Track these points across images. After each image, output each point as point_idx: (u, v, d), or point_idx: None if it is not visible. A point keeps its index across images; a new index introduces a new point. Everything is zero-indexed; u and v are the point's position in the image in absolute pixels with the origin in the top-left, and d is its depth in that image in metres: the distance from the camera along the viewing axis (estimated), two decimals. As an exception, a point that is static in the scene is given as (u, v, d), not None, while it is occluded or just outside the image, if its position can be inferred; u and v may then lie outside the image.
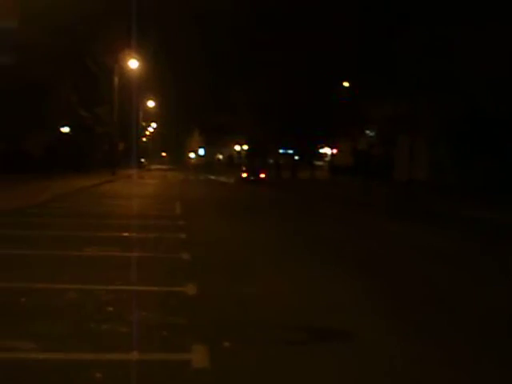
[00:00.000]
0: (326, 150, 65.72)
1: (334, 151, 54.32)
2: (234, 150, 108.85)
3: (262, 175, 48.55)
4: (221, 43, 55.81)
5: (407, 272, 10.79)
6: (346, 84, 42.44)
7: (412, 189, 31.19)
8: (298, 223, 19.09)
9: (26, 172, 37.45)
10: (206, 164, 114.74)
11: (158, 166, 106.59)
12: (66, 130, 51.27)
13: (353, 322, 7.20)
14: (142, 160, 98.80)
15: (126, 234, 13.98)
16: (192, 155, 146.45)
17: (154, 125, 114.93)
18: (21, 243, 12.05)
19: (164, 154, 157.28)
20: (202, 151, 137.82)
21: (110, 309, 7.29)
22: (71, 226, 15.17)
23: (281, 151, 65.60)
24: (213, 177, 58.42)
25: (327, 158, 68.78)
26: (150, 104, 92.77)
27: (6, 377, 5.11)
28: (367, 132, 47.32)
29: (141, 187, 36.51)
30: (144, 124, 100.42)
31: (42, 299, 7.66)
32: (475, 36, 28.21)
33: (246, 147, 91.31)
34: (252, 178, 47.45)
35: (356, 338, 6.54)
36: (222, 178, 54.88)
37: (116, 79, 50.19)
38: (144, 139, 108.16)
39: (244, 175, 48.93)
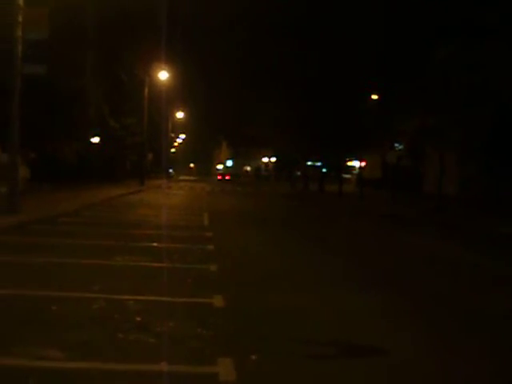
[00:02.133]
0: (354, 163, 65.44)
1: (362, 164, 54.03)
2: (262, 162, 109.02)
3: None
4: (249, 55, 55.99)
5: (440, 289, 10.68)
6: (374, 96, 42.25)
7: (442, 203, 30.87)
8: (325, 237, 19.03)
9: (58, 181, 37.94)
10: (233, 175, 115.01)
11: (186, 177, 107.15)
12: (96, 140, 51.91)
13: (383, 338, 7.14)
14: (171, 171, 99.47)
15: (154, 245, 14.07)
16: (220, 167, 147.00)
17: (182, 136, 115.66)
18: (52, 251, 12.19)
19: (192, 165, 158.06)
20: (229, 163, 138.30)
21: (138, 319, 7.33)
22: (101, 235, 15.32)
23: (308, 163, 65.49)
24: (240, 188, 58.51)
25: (355, 171, 68.48)
26: (179, 115, 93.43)
27: (36, 385, 5.17)
28: (396, 145, 47.01)
29: (169, 198, 36.73)
30: (173, 135, 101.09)
31: (72, 308, 7.74)
32: (507, 49, 27.90)
33: (273, 159, 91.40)
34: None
35: (387, 355, 6.49)
36: (250, 190, 54.92)
37: (146, 90, 50.68)
38: (172, 150, 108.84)
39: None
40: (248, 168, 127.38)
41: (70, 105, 42.18)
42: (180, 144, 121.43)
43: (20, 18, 17.93)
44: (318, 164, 61.80)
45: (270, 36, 48.74)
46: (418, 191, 42.39)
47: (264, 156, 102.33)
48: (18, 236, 14.33)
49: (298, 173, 73.98)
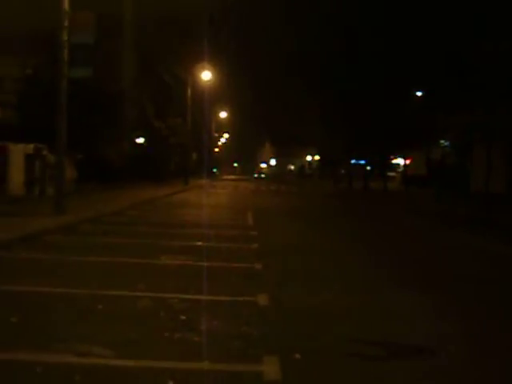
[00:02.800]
0: (399, 161, 64.67)
1: (407, 161, 53.31)
2: (306, 161, 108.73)
3: None
4: (293, 54, 55.90)
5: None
6: (418, 93, 41.65)
7: (490, 201, 30.18)
8: (368, 235, 18.84)
9: (104, 181, 38.56)
10: (277, 174, 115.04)
11: (230, 177, 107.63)
12: (141, 140, 52.58)
13: (428, 338, 7.00)
14: (214, 170, 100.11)
15: (199, 244, 14.14)
16: (263, 165, 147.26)
17: (226, 135, 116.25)
18: (97, 251, 12.36)
19: (235, 164, 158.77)
20: (273, 162, 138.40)
21: (183, 317, 7.35)
22: (147, 235, 15.47)
23: (352, 161, 65.01)
24: (284, 187, 58.45)
25: (400, 169, 67.66)
26: (223, 115, 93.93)
27: (82, 382, 5.23)
28: (441, 142, 46.23)
29: (213, 197, 36.91)
30: (216, 135, 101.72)
31: (117, 306, 7.82)
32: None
33: (317, 157, 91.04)
34: None
35: (433, 355, 6.36)
36: (294, 189, 54.80)
37: (189, 91, 51.09)
38: (216, 150, 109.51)
39: None
40: (292, 167, 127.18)
41: (115, 106, 42.82)
42: (224, 143, 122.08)
43: (66, 23, 18.25)
44: (362, 162, 61.29)
45: (316, 34, 48.49)
46: (464, 189, 41.56)
47: (308, 154, 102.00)
48: (64, 236, 14.58)
49: (342, 171, 73.49)
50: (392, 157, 60.52)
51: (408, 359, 6.23)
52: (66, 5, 18.24)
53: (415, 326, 7.51)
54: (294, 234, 17.68)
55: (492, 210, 26.85)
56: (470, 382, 5.69)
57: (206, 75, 54.34)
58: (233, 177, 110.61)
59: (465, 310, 8.50)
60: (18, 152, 26.22)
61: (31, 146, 26.74)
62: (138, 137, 52.27)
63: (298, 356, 6.04)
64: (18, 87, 32.66)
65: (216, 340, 6.50)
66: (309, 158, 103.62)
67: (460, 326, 7.64)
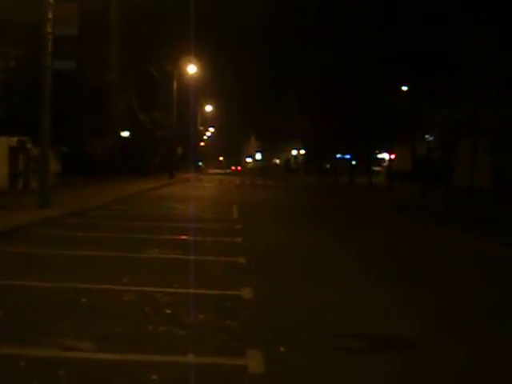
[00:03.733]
0: (384, 155, 64.92)
1: (392, 156, 53.52)
2: (291, 155, 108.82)
3: None
4: (278, 48, 55.98)
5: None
6: (404, 88, 41.81)
7: (473, 197, 30.40)
8: (353, 230, 18.93)
9: (89, 175, 38.37)
10: (262, 168, 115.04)
11: (216, 171, 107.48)
12: (126, 134, 52.32)
13: (410, 330, 7.07)
14: (200, 164, 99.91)
15: (184, 237, 14.14)
16: (249, 160, 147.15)
17: (211, 129, 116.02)
18: (81, 245, 12.32)
19: (221, 158, 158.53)
20: (258, 156, 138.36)
21: (168, 311, 7.36)
22: (131, 229, 15.44)
23: (338, 156, 65.15)
24: (270, 181, 58.52)
25: (385, 164, 67.93)
26: (208, 109, 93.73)
27: (66, 376, 5.22)
28: (426, 136, 46.45)
29: (198, 191, 36.87)
30: (202, 128, 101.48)
31: (102, 300, 7.81)
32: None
33: (303, 152, 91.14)
34: None
35: (416, 348, 6.42)
36: (279, 183, 54.87)
37: (175, 84, 50.88)
38: (202, 143, 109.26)
39: None
40: (277, 161, 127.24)
41: (100, 99, 42.57)
42: (209, 137, 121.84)
43: (50, 15, 18.12)
44: (348, 156, 61.45)
45: (299, 27, 48.53)
46: (448, 184, 41.83)
47: (293, 149, 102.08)
48: (48, 229, 14.50)
49: (328, 165, 73.63)
50: (377, 151, 60.73)
51: (392, 352, 6.29)
52: (51, -4, 18.11)
53: (399, 320, 7.57)
54: (279, 227, 17.71)
55: (474, 205, 27.09)
56: (454, 372, 5.75)
57: (192, 69, 54.18)
58: (218, 171, 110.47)
59: (448, 304, 8.58)
60: (1, 145, 26.00)
61: (15, 138, 26.53)
62: (123, 130, 52.00)
63: (281, 349, 6.07)
64: (0, 78, 32.38)
65: (201, 334, 6.52)
66: (294, 152, 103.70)
67: (443, 318, 7.72)
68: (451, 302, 8.73)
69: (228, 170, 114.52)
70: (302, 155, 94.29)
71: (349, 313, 7.78)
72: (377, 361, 5.94)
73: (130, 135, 52.58)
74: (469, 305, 8.67)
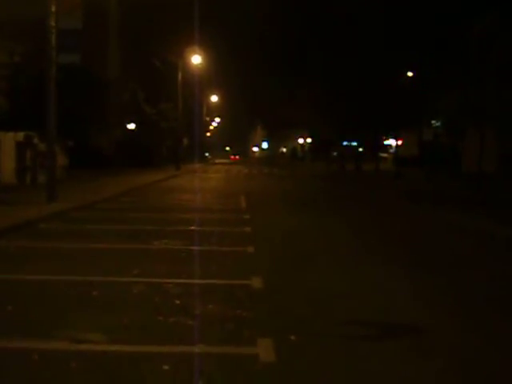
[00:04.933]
0: (391, 141, 64.72)
1: (399, 142, 53.42)
2: (298, 143, 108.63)
3: None
4: (283, 36, 55.75)
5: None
6: (409, 74, 41.60)
7: (482, 181, 30.27)
8: (360, 217, 18.89)
9: (95, 167, 38.48)
10: (269, 157, 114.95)
11: (222, 160, 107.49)
12: (132, 126, 52.37)
13: (420, 318, 7.07)
14: (207, 154, 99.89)
15: (192, 228, 14.16)
16: (255, 149, 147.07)
17: (217, 119, 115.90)
18: (90, 238, 12.37)
19: (228, 148, 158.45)
20: (265, 145, 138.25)
21: (178, 302, 7.39)
22: (139, 220, 15.48)
23: (344, 143, 64.99)
24: (277, 170, 58.46)
25: (392, 150, 67.71)
26: (214, 99, 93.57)
27: (78, 368, 5.26)
28: (433, 122, 46.25)
29: (205, 181, 36.89)
30: (208, 119, 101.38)
31: (112, 292, 7.85)
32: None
33: (309, 140, 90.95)
34: None
35: (427, 336, 6.42)
36: (287, 172, 54.82)
37: (180, 75, 50.83)
38: (208, 134, 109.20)
39: None
40: (284, 149, 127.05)
41: (105, 92, 42.58)
42: (215, 127, 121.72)
43: (53, 8, 18.10)
44: (354, 143, 61.30)
45: (304, 15, 48.28)
46: (456, 169, 41.69)
47: (300, 137, 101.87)
48: (57, 223, 14.56)
49: (334, 153, 73.49)
50: (384, 138, 60.56)
51: (402, 339, 6.29)
52: (54, -10, 18.09)
53: (407, 305, 7.57)
54: (287, 216, 17.71)
55: (483, 189, 26.98)
56: (461, 360, 5.76)
57: (196, 59, 54.02)
58: (225, 160, 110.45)
59: (459, 291, 8.58)
60: (8, 140, 26.09)
61: (21, 134, 26.60)
62: (128, 123, 52.05)
63: (292, 337, 6.09)
64: (6, 74, 32.41)
65: (211, 323, 6.54)
66: (301, 140, 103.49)
67: (452, 305, 7.72)
68: (469, 288, 8.72)
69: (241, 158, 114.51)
70: (309, 143, 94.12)
71: (360, 300, 7.77)
72: (389, 348, 5.95)
73: (136, 127, 52.62)
74: (485, 291, 8.65)
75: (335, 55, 46.47)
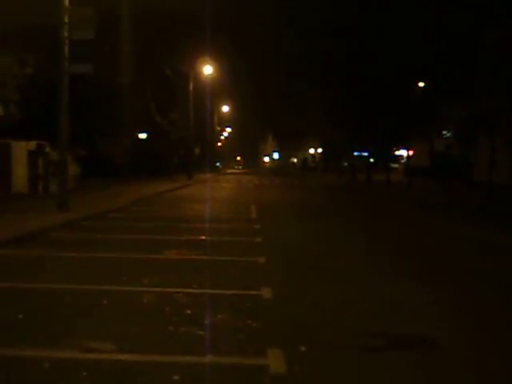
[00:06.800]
0: (402, 152, 64.56)
1: (410, 153, 53.24)
2: (309, 154, 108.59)
3: None
4: (294, 47, 55.87)
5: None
6: (420, 84, 41.56)
7: (493, 192, 30.10)
8: (372, 228, 18.83)
9: (107, 177, 38.64)
10: (280, 167, 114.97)
11: (233, 170, 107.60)
12: (143, 136, 52.58)
13: (428, 328, 7.02)
14: (218, 164, 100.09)
15: (203, 238, 14.17)
16: (266, 159, 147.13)
17: (228, 129, 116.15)
18: (100, 247, 12.41)
19: (239, 157, 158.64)
20: (276, 155, 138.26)
21: (188, 312, 7.39)
22: (150, 230, 15.52)
23: (355, 154, 64.89)
24: (288, 180, 58.41)
25: (403, 160, 67.54)
26: (225, 109, 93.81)
27: (89, 377, 5.26)
28: (444, 133, 46.11)
29: (216, 191, 36.91)
30: (219, 128, 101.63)
31: (123, 301, 7.86)
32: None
33: (320, 150, 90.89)
34: None
35: (435, 346, 6.37)
36: (297, 182, 54.78)
37: (191, 85, 51.00)
38: (219, 144, 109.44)
39: None
40: (295, 160, 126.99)
41: (117, 102, 42.82)
42: (226, 137, 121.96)
43: (66, 19, 18.25)
44: (365, 154, 61.18)
45: (317, 26, 48.38)
46: (468, 180, 41.51)
47: (310, 147, 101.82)
48: (69, 233, 14.62)
49: (345, 163, 73.36)
50: (395, 148, 60.43)
51: (410, 350, 6.25)
52: (66, 1, 18.24)
53: (417, 316, 7.52)
54: (298, 227, 17.68)
55: (495, 200, 26.79)
56: (470, 372, 5.71)
57: (208, 69, 54.22)
58: (236, 171, 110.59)
59: (470, 302, 8.52)
60: (20, 149, 26.26)
61: (33, 142, 26.77)
62: (140, 132, 52.26)
63: (302, 348, 6.07)
64: (18, 84, 32.69)
65: (221, 334, 6.54)
66: (312, 150, 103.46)
67: (463, 317, 7.67)
68: (474, 299, 8.67)
69: (245, 169, 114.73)
70: (319, 154, 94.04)
71: (370, 312, 7.74)
72: (399, 360, 5.91)
73: (147, 137, 52.81)
74: (493, 304, 8.59)
75: (348, 64, 46.50)
